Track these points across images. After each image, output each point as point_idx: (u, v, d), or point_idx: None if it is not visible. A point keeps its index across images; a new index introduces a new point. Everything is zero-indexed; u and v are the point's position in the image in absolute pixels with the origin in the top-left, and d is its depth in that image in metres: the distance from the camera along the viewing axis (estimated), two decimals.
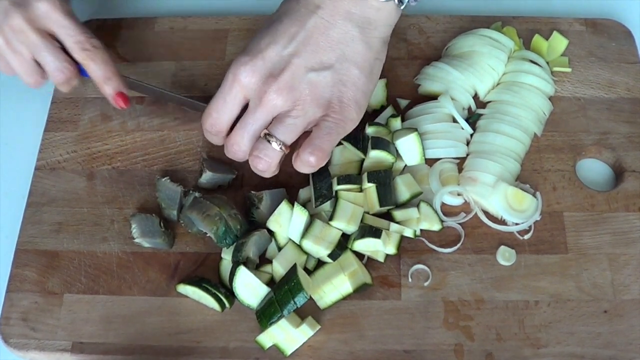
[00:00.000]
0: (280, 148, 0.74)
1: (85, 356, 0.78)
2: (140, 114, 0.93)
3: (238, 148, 0.75)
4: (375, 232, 0.78)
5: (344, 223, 0.79)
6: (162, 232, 0.83)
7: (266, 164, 0.75)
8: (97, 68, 0.82)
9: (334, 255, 0.78)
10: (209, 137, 0.78)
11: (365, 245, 0.79)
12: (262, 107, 0.73)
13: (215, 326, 0.79)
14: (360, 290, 0.78)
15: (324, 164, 0.76)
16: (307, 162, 0.75)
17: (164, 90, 0.88)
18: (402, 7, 0.75)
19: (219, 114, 0.75)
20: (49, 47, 0.81)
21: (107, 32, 1.00)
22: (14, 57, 0.83)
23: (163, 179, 0.85)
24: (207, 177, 0.85)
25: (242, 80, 0.73)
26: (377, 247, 0.79)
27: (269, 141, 0.74)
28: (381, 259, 0.81)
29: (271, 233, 0.81)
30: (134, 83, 0.87)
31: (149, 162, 0.90)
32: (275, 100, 0.72)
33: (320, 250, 0.78)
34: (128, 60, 0.98)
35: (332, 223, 0.79)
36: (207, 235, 0.81)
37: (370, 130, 0.86)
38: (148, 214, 0.84)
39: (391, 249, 0.80)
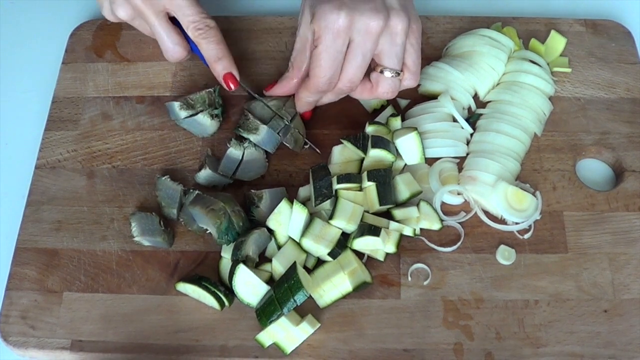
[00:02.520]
0: (393, 76, 0.82)
1: (85, 354, 0.78)
2: (141, 113, 0.94)
3: (355, 86, 0.82)
4: (375, 231, 0.78)
5: (344, 222, 0.79)
6: (161, 231, 0.83)
7: (393, 93, 0.84)
8: (210, 47, 0.88)
9: (333, 254, 0.78)
10: (315, 94, 0.84)
11: (365, 244, 0.79)
12: (369, 36, 0.78)
13: (214, 324, 0.79)
14: (360, 289, 0.78)
15: None
16: (413, 84, 0.85)
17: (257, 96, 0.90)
18: None
19: (336, 67, 0.80)
20: (163, 27, 0.87)
21: (108, 31, 1.01)
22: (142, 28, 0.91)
23: (163, 178, 0.85)
24: (205, 174, 0.85)
25: (341, 25, 0.77)
26: (377, 246, 0.79)
27: (382, 72, 0.82)
28: (381, 257, 0.81)
29: (271, 232, 0.81)
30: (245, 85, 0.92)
31: (149, 161, 0.90)
32: (376, 24, 0.77)
33: (320, 248, 0.78)
34: (129, 60, 0.98)
35: (332, 222, 0.79)
36: (208, 232, 0.81)
37: (370, 129, 0.86)
38: (148, 212, 0.84)
39: (391, 248, 0.80)
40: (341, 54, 0.79)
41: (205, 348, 0.77)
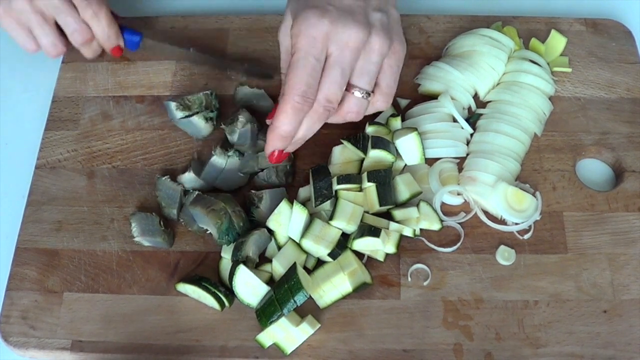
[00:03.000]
0: (363, 96, 0.77)
1: (85, 355, 0.78)
2: (141, 112, 0.94)
3: (334, 104, 0.75)
4: (375, 232, 0.78)
5: (344, 222, 0.79)
6: (161, 231, 0.83)
7: (358, 114, 0.79)
8: (100, 26, 0.89)
9: (333, 255, 0.79)
10: (292, 114, 0.74)
11: (365, 245, 0.79)
12: (348, 49, 0.74)
13: (214, 325, 0.79)
14: (360, 290, 0.78)
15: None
16: (383, 108, 0.80)
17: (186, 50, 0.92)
18: None
19: (313, 79, 0.73)
20: (69, 9, 0.87)
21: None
22: (37, 21, 0.89)
23: (163, 178, 0.85)
24: (189, 178, 0.86)
25: (320, 32, 0.72)
26: (377, 247, 0.79)
27: (352, 93, 0.76)
28: (381, 258, 0.81)
29: (271, 232, 0.81)
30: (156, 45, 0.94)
31: (149, 161, 0.90)
32: (356, 41, 0.73)
33: (320, 249, 0.78)
34: (129, 59, 0.98)
35: (332, 222, 0.79)
36: (208, 232, 0.81)
37: (370, 129, 0.86)
38: (148, 212, 0.84)
39: (391, 248, 0.80)
40: (319, 64, 0.73)
41: (206, 348, 0.78)
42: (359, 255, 0.81)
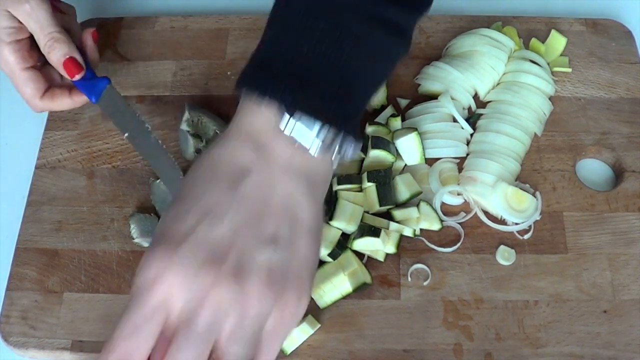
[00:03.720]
0: None
1: (85, 355, 0.78)
2: (141, 113, 0.93)
3: None
4: (375, 232, 0.78)
5: (344, 223, 0.79)
6: None
7: None
8: (58, 56, 0.78)
9: (334, 255, 0.78)
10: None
11: (365, 245, 0.79)
12: (202, 318, 0.51)
13: None
14: (360, 290, 0.78)
15: None
16: None
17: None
18: (337, 161, 0.61)
19: (132, 344, 0.51)
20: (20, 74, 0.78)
21: (107, 31, 1.00)
22: None
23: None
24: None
25: (164, 286, 0.51)
26: (377, 247, 0.79)
27: None
28: (381, 258, 0.81)
29: None
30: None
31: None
32: (222, 302, 0.51)
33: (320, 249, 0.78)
34: (128, 60, 0.98)
35: (332, 223, 0.79)
36: None
37: (370, 129, 0.86)
38: (147, 213, 0.84)
39: (391, 248, 0.80)
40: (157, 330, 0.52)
41: None
42: (359, 255, 0.81)
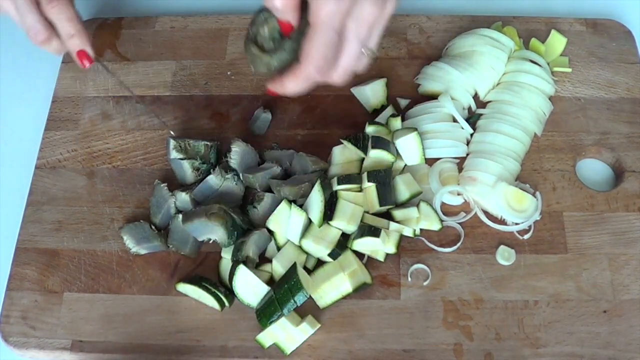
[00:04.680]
0: (369, 54, 0.78)
1: (85, 355, 0.78)
2: (141, 112, 0.94)
3: (348, 74, 0.77)
4: (375, 232, 0.78)
5: (344, 223, 0.79)
6: (156, 235, 0.82)
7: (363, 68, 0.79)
8: (62, 24, 0.81)
9: (333, 255, 0.79)
10: (304, 81, 0.77)
11: (365, 245, 0.79)
12: (366, 25, 0.74)
13: (214, 325, 0.79)
14: (360, 290, 0.78)
15: None
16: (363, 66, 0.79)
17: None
18: None
19: (331, 53, 0.75)
20: (23, 4, 0.80)
21: (107, 31, 1.00)
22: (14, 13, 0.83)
23: (162, 185, 0.85)
24: (183, 198, 0.83)
25: (342, 7, 0.72)
26: (377, 247, 0.79)
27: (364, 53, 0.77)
28: (381, 258, 0.81)
29: (271, 232, 0.81)
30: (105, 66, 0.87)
31: (149, 161, 0.90)
32: (371, 16, 0.74)
33: (320, 249, 0.78)
34: (129, 59, 0.98)
35: (332, 223, 0.79)
36: (211, 242, 0.81)
37: (370, 129, 0.86)
38: (136, 222, 0.84)
39: (391, 248, 0.80)
40: (338, 38, 0.75)
41: (206, 348, 0.78)
42: (359, 255, 0.81)
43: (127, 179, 0.89)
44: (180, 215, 0.81)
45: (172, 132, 0.89)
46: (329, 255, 0.78)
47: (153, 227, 0.83)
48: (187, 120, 0.92)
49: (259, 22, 0.77)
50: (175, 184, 0.87)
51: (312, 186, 0.80)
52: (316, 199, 0.79)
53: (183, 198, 0.83)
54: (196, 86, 0.96)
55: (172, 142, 0.85)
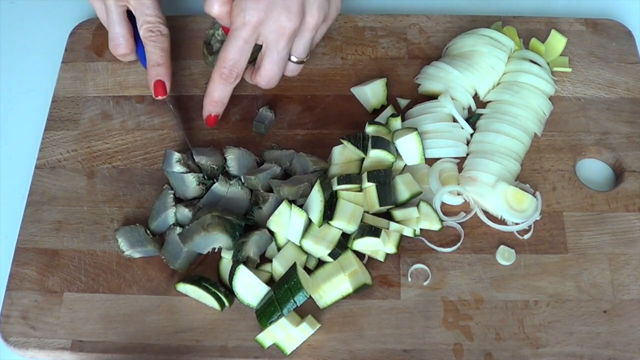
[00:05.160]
0: (299, 62, 0.87)
1: (85, 355, 0.78)
2: (141, 112, 0.94)
3: (273, 81, 0.86)
4: (375, 232, 0.78)
5: (344, 223, 0.79)
6: (150, 239, 0.82)
7: (293, 74, 0.89)
8: (154, 51, 0.88)
9: (334, 255, 0.79)
10: (220, 83, 0.84)
11: (365, 245, 0.79)
12: (282, 36, 0.81)
13: (214, 325, 0.79)
14: (360, 291, 0.78)
15: None
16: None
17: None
18: None
19: (240, 56, 0.83)
20: (117, 16, 0.89)
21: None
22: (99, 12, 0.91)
23: (169, 191, 0.85)
24: (184, 213, 0.83)
25: (254, 18, 0.80)
26: (377, 247, 0.79)
27: (290, 60, 0.86)
28: (381, 258, 0.81)
29: (272, 233, 0.81)
30: (171, 105, 0.92)
31: (149, 161, 0.90)
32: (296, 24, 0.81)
33: (320, 249, 0.78)
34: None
35: (333, 223, 0.79)
36: (216, 251, 0.81)
37: (370, 129, 0.86)
38: (132, 224, 0.83)
39: (391, 248, 0.80)
40: (247, 45, 0.82)
41: (206, 348, 0.78)
42: (360, 255, 0.81)
43: (127, 179, 0.89)
44: (177, 228, 0.81)
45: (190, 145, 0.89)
46: (329, 255, 0.78)
47: (148, 231, 0.83)
48: (187, 121, 0.92)
49: (212, 26, 0.88)
50: (177, 203, 0.85)
51: (312, 186, 0.80)
52: (316, 199, 0.79)
53: (185, 214, 0.83)
54: (196, 86, 0.96)
55: (175, 156, 0.84)
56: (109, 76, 0.97)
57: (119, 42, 0.90)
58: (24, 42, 1.03)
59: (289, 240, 0.81)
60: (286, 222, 0.80)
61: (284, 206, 0.80)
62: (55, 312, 0.80)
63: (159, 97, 0.88)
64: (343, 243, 0.80)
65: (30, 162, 0.91)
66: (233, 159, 0.85)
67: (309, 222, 0.79)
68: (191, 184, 0.84)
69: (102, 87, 0.96)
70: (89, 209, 0.87)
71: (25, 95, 0.98)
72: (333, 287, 0.78)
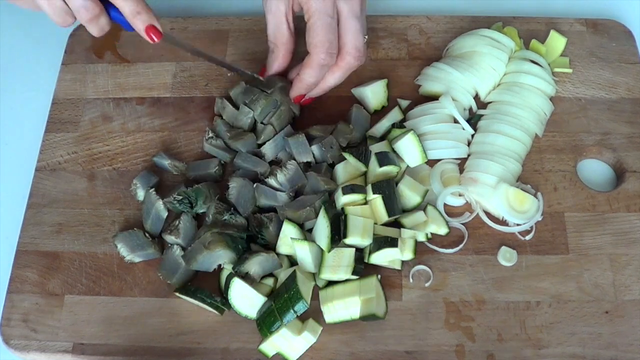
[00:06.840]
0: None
1: (86, 357, 0.78)
2: (141, 114, 0.93)
3: (361, 53, 0.84)
4: (392, 242, 0.77)
5: (359, 238, 0.78)
6: (150, 242, 0.82)
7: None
8: (126, 3, 0.78)
9: (356, 272, 0.77)
10: (318, 69, 0.83)
11: (384, 256, 0.78)
12: (356, 2, 0.82)
13: (216, 327, 0.79)
14: (368, 320, 0.77)
15: None
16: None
17: (201, 51, 0.89)
18: None
19: (333, 35, 0.81)
20: None
21: (107, 32, 1.00)
22: None
23: (150, 190, 0.84)
24: (171, 239, 0.83)
25: (327, 4, 0.80)
26: (395, 256, 0.78)
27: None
28: (398, 266, 0.80)
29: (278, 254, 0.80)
30: (172, 37, 0.86)
31: (149, 162, 0.90)
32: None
33: (341, 276, 0.77)
34: (129, 61, 0.98)
35: (346, 241, 0.78)
36: (222, 267, 0.80)
37: (374, 147, 0.85)
38: (129, 229, 0.83)
39: (408, 255, 0.79)
40: (334, 21, 0.81)
41: (207, 351, 0.77)
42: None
43: (128, 181, 0.88)
44: (176, 247, 0.81)
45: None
46: (352, 274, 0.77)
47: (147, 234, 0.83)
48: (187, 122, 0.92)
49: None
50: (163, 186, 0.87)
51: (315, 211, 0.79)
52: (322, 225, 0.78)
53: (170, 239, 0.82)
54: (196, 87, 0.95)
55: (160, 204, 0.84)
56: (109, 78, 0.96)
57: (86, 4, 0.77)
58: (24, 43, 1.03)
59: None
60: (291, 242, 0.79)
61: (286, 226, 0.79)
62: (57, 314, 0.80)
63: (157, 40, 0.80)
64: (360, 257, 0.79)
65: (30, 164, 0.91)
66: (235, 187, 0.84)
67: (320, 252, 0.79)
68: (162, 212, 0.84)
69: (102, 88, 0.96)
70: (90, 211, 0.87)
71: (25, 98, 0.98)
72: (345, 305, 0.76)
